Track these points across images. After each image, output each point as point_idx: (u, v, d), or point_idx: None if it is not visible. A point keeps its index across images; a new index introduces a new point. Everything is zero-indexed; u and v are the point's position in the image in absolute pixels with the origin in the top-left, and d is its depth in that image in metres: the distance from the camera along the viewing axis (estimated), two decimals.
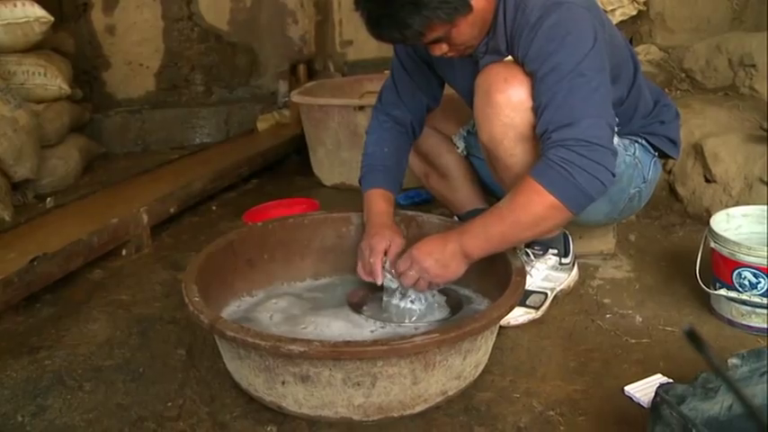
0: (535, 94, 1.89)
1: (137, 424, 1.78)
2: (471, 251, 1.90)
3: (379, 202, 2.19)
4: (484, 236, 1.89)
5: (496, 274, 2.00)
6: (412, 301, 2.05)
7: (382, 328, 2.00)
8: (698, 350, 1.31)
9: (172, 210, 3.15)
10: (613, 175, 1.83)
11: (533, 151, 1.95)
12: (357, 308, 2.09)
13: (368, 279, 2.08)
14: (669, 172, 3.07)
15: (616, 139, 2.10)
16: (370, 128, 2.33)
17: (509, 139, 1.96)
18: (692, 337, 1.29)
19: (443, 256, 1.92)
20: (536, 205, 1.82)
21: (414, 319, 2.04)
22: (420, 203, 3.25)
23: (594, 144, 1.79)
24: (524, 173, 1.89)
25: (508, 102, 1.92)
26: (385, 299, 2.07)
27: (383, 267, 2.05)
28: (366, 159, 2.27)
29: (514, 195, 1.86)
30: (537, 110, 1.89)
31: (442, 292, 2.12)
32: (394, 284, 2.04)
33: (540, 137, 1.88)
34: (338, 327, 1.99)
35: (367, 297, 2.16)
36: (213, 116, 4.93)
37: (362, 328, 1.99)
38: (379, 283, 2.05)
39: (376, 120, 2.32)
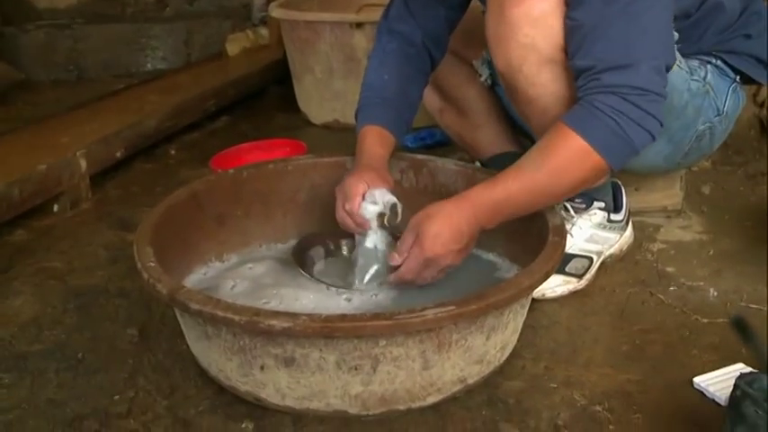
0: (572, 13, 1.89)
1: (73, 424, 1.79)
2: (488, 225, 1.96)
3: (369, 142, 2.20)
4: (509, 212, 1.95)
5: (528, 235, 2.04)
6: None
7: (327, 286, 2.06)
8: (744, 341, 1.38)
9: (118, 154, 3.19)
10: (662, 125, 1.87)
11: (562, 78, 1.97)
12: (304, 265, 2.16)
13: (347, 229, 2.12)
14: (761, 105, 3.09)
15: (679, 59, 2.13)
16: (372, 51, 2.35)
17: (530, 65, 1.96)
18: (740, 326, 1.37)
19: (461, 245, 1.94)
20: (580, 169, 1.88)
21: (366, 281, 2.09)
22: (433, 146, 3.31)
23: (651, 93, 1.83)
24: (553, 107, 1.95)
25: (527, 16, 1.91)
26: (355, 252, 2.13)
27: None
28: (363, 91, 2.29)
29: (550, 154, 1.89)
30: (574, 33, 1.90)
31: None
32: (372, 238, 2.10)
33: (580, 71, 1.89)
34: (308, 300, 2.02)
35: (318, 251, 2.24)
36: (169, 35, 4.94)
37: (337, 298, 2.04)
38: (361, 230, 2.10)
39: (379, 41, 2.33)
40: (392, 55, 2.29)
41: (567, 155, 1.87)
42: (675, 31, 2.09)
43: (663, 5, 1.90)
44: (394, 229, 2.11)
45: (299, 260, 2.17)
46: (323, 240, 2.28)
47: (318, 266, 2.22)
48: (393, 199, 2.07)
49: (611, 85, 1.83)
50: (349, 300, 2.04)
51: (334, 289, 2.07)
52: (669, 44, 1.96)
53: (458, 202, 1.95)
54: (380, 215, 2.08)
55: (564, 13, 1.91)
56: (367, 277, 2.10)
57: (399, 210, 2.09)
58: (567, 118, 1.88)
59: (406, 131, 2.28)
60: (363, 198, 2.06)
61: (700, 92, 2.24)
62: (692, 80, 2.22)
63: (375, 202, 2.06)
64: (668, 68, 1.92)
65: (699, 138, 2.32)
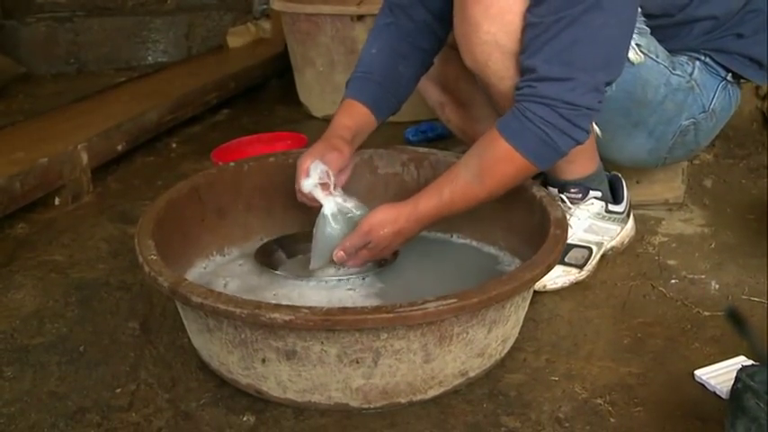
0: (533, 9, 1.92)
1: (75, 417, 1.80)
2: (426, 226, 2.07)
3: (338, 116, 2.22)
4: (446, 214, 2.04)
5: (529, 227, 2.06)
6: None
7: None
8: (739, 333, 1.38)
9: (119, 147, 3.20)
10: (588, 133, 1.96)
11: None
12: (271, 265, 2.19)
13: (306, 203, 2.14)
14: (763, 98, 3.09)
15: (656, 53, 2.19)
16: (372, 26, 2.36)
17: (495, 61, 2.01)
18: (734, 317, 1.37)
19: (396, 226, 2.02)
20: (511, 175, 1.98)
21: (313, 262, 2.12)
22: (434, 139, 3.31)
23: (582, 108, 1.89)
24: None
25: (486, 14, 1.96)
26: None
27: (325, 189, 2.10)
28: (354, 68, 2.30)
29: (488, 168, 1.98)
30: (530, 29, 1.93)
31: None
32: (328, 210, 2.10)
33: (524, 69, 1.95)
34: (320, 296, 2.05)
35: (281, 255, 2.25)
36: (170, 28, 4.94)
37: (347, 291, 2.07)
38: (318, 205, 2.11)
39: (379, 15, 2.34)
40: (385, 30, 2.29)
41: (502, 167, 1.98)
42: (655, 28, 2.18)
43: (622, 18, 1.94)
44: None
45: (266, 262, 2.21)
46: (281, 244, 2.30)
47: (284, 266, 2.23)
48: (323, 167, 2.08)
49: (545, 96, 1.89)
50: (354, 289, 2.08)
51: (333, 281, 2.10)
52: (618, 57, 1.99)
53: (408, 215, 2.02)
54: (323, 185, 2.09)
55: (526, 8, 1.94)
56: (313, 260, 2.14)
57: (331, 176, 2.09)
58: (500, 126, 1.96)
59: (390, 105, 2.27)
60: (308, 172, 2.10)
61: (682, 87, 2.27)
62: (674, 75, 2.26)
63: (309, 176, 2.08)
64: (610, 82, 1.97)
65: (683, 133, 2.35)
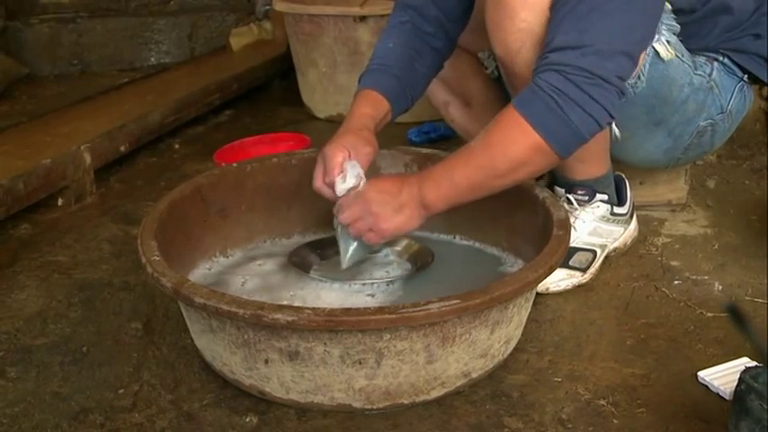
0: None
1: (78, 417, 1.81)
2: (431, 201, 1.94)
3: (357, 104, 2.18)
4: (448, 183, 1.93)
5: (532, 228, 2.06)
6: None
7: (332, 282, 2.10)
8: (739, 328, 1.38)
9: (122, 148, 3.20)
10: (612, 117, 1.86)
11: None
12: (304, 267, 2.18)
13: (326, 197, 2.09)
14: (767, 98, 3.09)
15: (681, 52, 2.17)
16: (385, 26, 2.35)
17: (527, 49, 1.99)
18: (734, 313, 1.37)
19: (396, 201, 1.95)
20: (516, 145, 1.87)
21: (347, 260, 2.11)
22: (437, 140, 3.31)
23: (597, 77, 1.82)
24: None
25: (523, 1, 1.95)
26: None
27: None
28: (368, 62, 2.28)
29: (491, 130, 1.91)
30: (554, 10, 1.92)
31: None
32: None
33: (544, 46, 1.92)
34: (332, 299, 2.05)
35: (314, 257, 2.25)
36: (173, 29, 4.94)
37: (360, 296, 2.06)
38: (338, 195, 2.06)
39: (392, 15, 2.33)
40: (400, 27, 2.27)
41: (506, 130, 1.89)
42: (679, 24, 2.14)
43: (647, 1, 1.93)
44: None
45: (299, 265, 2.20)
46: (315, 247, 2.29)
47: (316, 268, 2.23)
48: (360, 170, 2.04)
49: (555, 63, 1.84)
50: (372, 295, 2.07)
51: (357, 286, 2.10)
52: (641, 33, 1.95)
53: (407, 174, 2.06)
54: (353, 188, 2.06)
55: None
56: (347, 257, 2.11)
57: (364, 179, 2.05)
58: (514, 97, 1.91)
59: (407, 99, 2.24)
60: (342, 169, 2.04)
61: (703, 87, 2.26)
62: (696, 75, 2.24)
63: (345, 180, 2.03)
64: (633, 60, 1.92)
65: (700, 134, 2.34)
